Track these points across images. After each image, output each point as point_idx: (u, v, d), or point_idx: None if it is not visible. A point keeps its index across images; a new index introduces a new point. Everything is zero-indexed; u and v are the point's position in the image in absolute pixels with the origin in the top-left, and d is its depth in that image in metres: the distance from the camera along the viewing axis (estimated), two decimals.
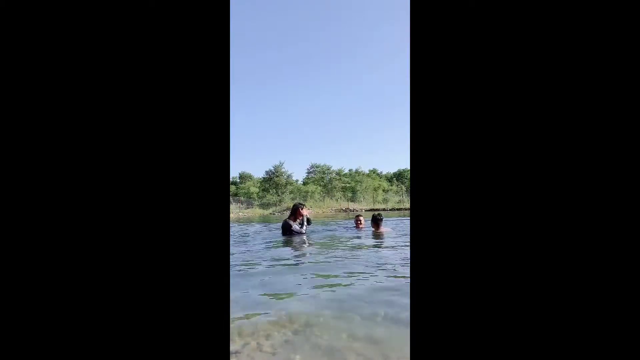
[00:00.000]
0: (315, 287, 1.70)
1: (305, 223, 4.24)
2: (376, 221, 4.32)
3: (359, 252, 2.79)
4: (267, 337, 1.05)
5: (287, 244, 3.52)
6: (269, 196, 24.22)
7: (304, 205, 4.46)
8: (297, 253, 2.96)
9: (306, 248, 3.21)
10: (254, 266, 2.32)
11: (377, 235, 4.04)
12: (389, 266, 2.17)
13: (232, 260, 2.54)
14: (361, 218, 4.93)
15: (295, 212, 4.25)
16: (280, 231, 4.27)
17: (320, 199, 22.97)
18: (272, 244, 3.53)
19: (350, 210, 17.53)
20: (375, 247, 3.16)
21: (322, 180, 27.88)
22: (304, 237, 3.98)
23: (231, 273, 2.00)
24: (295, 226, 4.13)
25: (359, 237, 3.86)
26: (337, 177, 28.20)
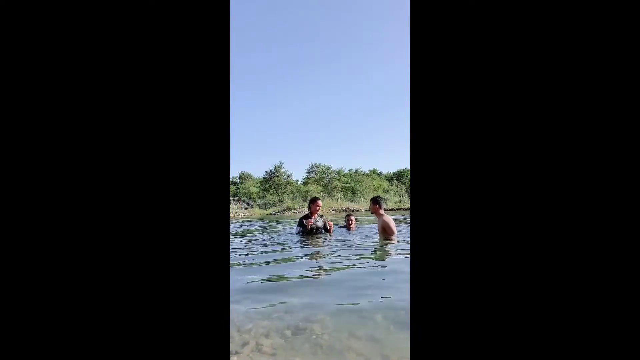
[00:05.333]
0: (315, 285, 1.70)
1: (320, 226, 3.87)
2: (377, 202, 3.73)
3: None
4: (267, 336, 1.05)
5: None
6: (269, 196, 24.22)
7: (317, 198, 4.08)
8: None
9: None
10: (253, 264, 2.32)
11: (383, 230, 3.60)
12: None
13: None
14: (352, 218, 4.60)
15: (309, 208, 3.97)
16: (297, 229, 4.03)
17: (320, 198, 22.92)
18: None
19: (351, 210, 17.52)
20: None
21: (322, 180, 27.88)
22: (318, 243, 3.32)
23: (231, 272, 2.00)
24: (299, 227, 3.90)
25: (349, 241, 3.43)
26: (337, 177, 28.20)
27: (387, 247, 3.03)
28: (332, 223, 4.15)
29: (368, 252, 2.86)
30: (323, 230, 3.99)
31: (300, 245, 3.32)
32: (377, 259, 2.55)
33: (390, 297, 1.47)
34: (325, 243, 3.29)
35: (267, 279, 1.91)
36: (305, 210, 4.21)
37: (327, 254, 2.71)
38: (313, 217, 3.97)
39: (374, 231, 4.21)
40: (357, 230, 4.39)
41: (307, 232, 3.90)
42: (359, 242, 3.31)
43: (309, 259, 2.59)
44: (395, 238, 3.48)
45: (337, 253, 2.74)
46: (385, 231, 3.62)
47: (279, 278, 1.95)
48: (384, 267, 2.27)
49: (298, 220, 4.09)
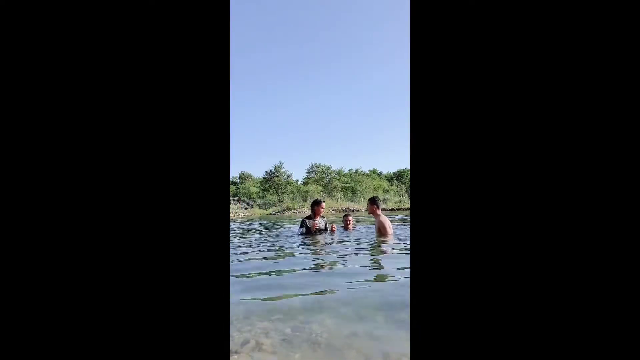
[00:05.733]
0: (316, 286, 1.71)
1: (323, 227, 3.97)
2: (374, 202, 3.77)
3: None
4: (267, 336, 1.05)
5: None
6: (269, 196, 24.24)
7: (322, 200, 4.15)
8: None
9: None
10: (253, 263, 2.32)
11: (379, 230, 3.64)
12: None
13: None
14: (350, 218, 4.55)
15: (312, 209, 4.06)
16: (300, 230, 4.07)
17: (324, 201, 22.89)
18: None
19: (351, 210, 17.49)
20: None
21: (322, 180, 27.89)
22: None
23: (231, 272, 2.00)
24: (302, 228, 3.95)
25: (346, 244, 3.32)
26: (337, 177, 28.21)
27: (384, 249, 3.02)
28: (335, 226, 4.21)
29: (367, 254, 2.85)
30: (324, 231, 4.05)
31: (302, 246, 3.31)
32: (374, 262, 2.54)
33: (389, 298, 1.47)
34: (327, 247, 3.23)
35: (268, 280, 1.91)
36: (305, 211, 4.24)
37: (329, 257, 2.70)
38: (316, 219, 4.00)
39: (372, 231, 4.20)
40: (355, 231, 4.36)
41: (311, 233, 3.93)
42: (357, 245, 3.27)
43: (310, 260, 2.59)
44: (391, 238, 3.51)
45: (337, 255, 2.73)
46: (381, 231, 3.67)
47: (280, 280, 1.95)
48: (382, 269, 2.27)
49: (300, 221, 4.11)
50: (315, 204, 4.07)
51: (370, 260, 2.50)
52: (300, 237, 3.89)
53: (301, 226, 4.03)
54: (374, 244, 3.24)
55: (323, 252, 2.93)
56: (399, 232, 4.14)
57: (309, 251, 2.99)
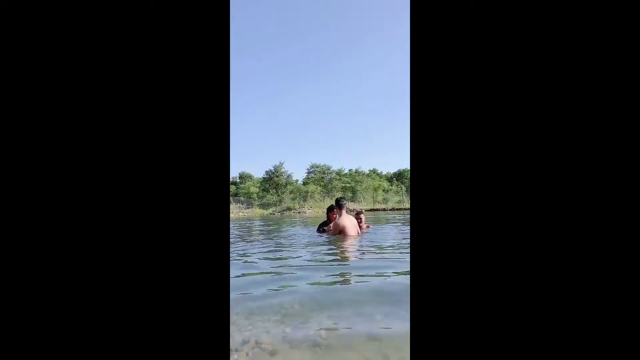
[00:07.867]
0: (316, 285, 1.71)
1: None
2: (340, 205, 3.76)
3: None
4: (267, 335, 1.05)
5: None
6: (269, 196, 24.25)
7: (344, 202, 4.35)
8: None
9: None
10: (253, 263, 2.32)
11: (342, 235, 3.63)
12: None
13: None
14: (362, 216, 4.38)
15: (328, 215, 4.29)
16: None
17: (320, 199, 22.98)
18: None
19: (350, 210, 17.45)
20: None
21: (322, 180, 27.90)
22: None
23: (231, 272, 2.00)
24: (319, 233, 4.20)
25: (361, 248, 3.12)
26: (337, 177, 28.23)
27: (361, 248, 3.03)
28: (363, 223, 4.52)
29: (361, 254, 2.85)
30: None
31: (322, 244, 3.35)
32: (366, 261, 2.55)
33: (388, 298, 1.47)
34: (351, 252, 3.20)
35: (269, 281, 1.91)
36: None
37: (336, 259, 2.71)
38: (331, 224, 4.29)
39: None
40: (370, 232, 4.35)
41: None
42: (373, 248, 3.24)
43: (312, 261, 2.59)
44: (351, 239, 3.60)
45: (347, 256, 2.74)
46: (341, 232, 3.78)
47: (281, 281, 1.95)
48: (379, 268, 2.27)
49: (318, 225, 4.43)
50: (331, 210, 4.36)
51: (363, 259, 2.52)
52: (319, 236, 4.10)
53: (318, 230, 4.34)
54: (354, 244, 3.29)
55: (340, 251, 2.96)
56: (374, 229, 4.47)
57: (313, 253, 2.99)
